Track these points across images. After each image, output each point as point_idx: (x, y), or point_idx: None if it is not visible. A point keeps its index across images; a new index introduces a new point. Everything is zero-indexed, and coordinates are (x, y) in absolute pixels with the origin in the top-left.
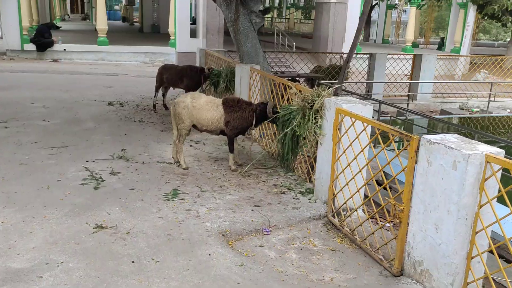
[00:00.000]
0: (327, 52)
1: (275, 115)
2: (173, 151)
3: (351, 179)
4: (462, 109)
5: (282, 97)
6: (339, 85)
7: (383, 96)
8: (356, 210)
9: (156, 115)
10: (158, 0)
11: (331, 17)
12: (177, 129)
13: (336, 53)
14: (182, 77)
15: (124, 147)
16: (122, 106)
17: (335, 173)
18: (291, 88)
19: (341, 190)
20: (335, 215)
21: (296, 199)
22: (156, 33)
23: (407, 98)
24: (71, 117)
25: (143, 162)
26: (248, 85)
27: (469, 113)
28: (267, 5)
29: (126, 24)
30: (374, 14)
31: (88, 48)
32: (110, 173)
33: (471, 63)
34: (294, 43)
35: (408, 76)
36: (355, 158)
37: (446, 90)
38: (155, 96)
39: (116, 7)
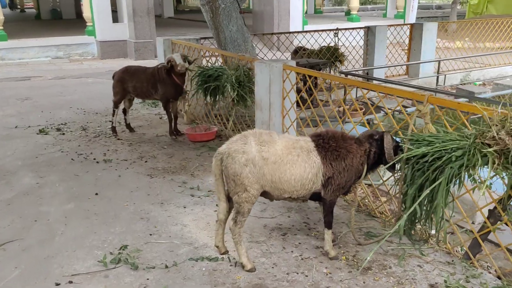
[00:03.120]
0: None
1: (398, 157)
2: (217, 236)
3: None
4: (464, 83)
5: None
6: None
7: (386, 76)
8: None
9: (122, 145)
10: None
11: None
12: (227, 201)
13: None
14: (156, 83)
15: (111, 232)
16: (63, 134)
17: None
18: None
19: None
20: None
21: None
22: (58, 19)
23: (406, 76)
24: None
25: (167, 266)
26: (282, 94)
27: (490, 90)
28: None
29: (15, 11)
30: None
31: None
32: None
33: None
34: None
35: (406, 50)
36: None
37: (445, 63)
38: (114, 114)
39: None
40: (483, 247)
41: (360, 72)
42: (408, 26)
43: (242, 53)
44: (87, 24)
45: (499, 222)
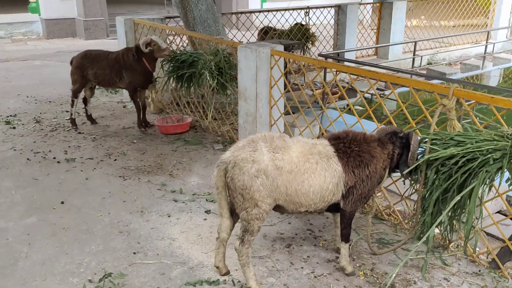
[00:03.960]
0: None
1: (422, 160)
2: (217, 255)
3: None
4: (431, 63)
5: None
6: None
7: (356, 57)
8: None
9: (85, 139)
10: None
11: None
12: (230, 217)
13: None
14: (121, 70)
15: (86, 251)
16: (13, 128)
17: None
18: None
19: None
20: None
21: None
22: None
23: (375, 57)
24: None
25: None
26: (269, 83)
27: (460, 72)
28: None
29: None
30: None
31: None
32: None
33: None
34: None
35: (375, 30)
36: None
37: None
38: (73, 104)
39: None
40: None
41: (326, 47)
42: (377, 4)
43: (212, 35)
44: (30, 0)
45: None
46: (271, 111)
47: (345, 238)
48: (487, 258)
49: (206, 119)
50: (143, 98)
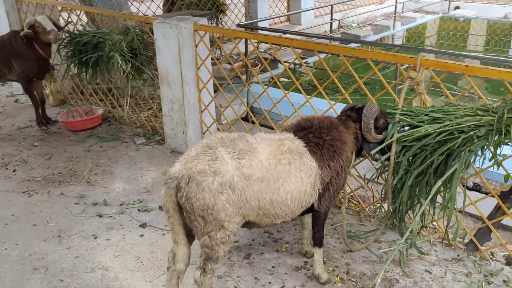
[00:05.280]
0: None
1: (391, 140)
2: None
3: None
4: (341, 27)
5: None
6: None
7: (269, 24)
8: None
9: None
10: None
11: None
12: (188, 244)
13: None
14: (9, 58)
15: None
16: None
17: None
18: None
19: None
20: None
21: None
22: None
23: (288, 23)
24: None
25: None
26: (195, 64)
27: (373, 34)
28: None
29: None
30: None
31: None
32: None
33: None
34: None
35: None
36: None
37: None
38: None
39: None
40: (498, 237)
41: (239, 17)
42: None
43: (114, 9)
44: None
45: None
46: (200, 95)
47: (319, 242)
48: (463, 240)
49: (120, 107)
50: (40, 90)
